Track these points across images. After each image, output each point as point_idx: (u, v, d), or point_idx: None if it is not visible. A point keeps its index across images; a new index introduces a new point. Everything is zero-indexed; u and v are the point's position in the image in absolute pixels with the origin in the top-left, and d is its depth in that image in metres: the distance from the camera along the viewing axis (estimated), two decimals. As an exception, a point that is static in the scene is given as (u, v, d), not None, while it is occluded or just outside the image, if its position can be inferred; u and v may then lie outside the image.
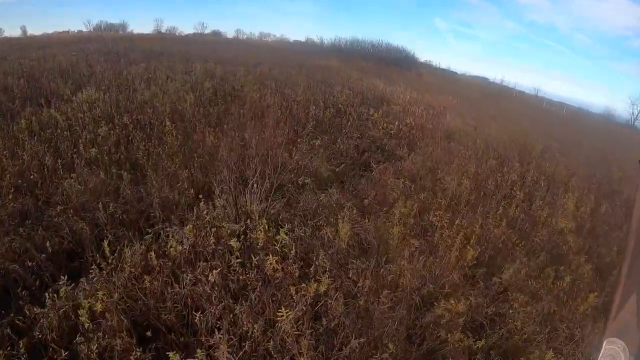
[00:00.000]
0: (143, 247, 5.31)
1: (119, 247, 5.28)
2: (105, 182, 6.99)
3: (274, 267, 4.95)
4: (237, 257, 5.13)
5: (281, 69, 21.63)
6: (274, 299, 4.70)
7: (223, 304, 4.55)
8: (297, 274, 4.98)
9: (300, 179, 8.51)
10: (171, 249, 5.12)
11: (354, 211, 7.28)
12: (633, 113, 51.63)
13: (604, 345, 1.09)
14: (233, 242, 5.15)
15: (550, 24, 75.78)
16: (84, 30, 53.58)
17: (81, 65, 16.97)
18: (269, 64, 23.06)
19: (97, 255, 5.08)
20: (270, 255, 4.96)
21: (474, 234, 6.87)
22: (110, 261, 4.90)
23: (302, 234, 6.13)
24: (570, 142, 20.28)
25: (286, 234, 5.79)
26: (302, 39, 60.93)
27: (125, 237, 5.67)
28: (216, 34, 59.44)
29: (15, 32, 46.70)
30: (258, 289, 4.74)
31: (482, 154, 12.79)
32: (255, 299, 4.68)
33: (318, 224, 6.68)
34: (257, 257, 5.22)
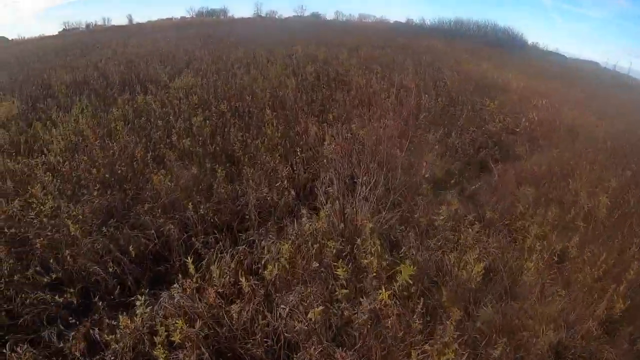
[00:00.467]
0: (234, 262, 4.58)
1: (207, 257, 4.68)
2: (197, 177, 6.38)
3: (386, 303, 3.94)
4: (342, 286, 4.23)
5: (385, 51, 20.42)
6: (383, 345, 3.79)
7: (323, 345, 3.70)
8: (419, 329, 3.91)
9: (415, 181, 7.49)
10: (266, 272, 4.29)
11: (476, 227, 6.24)
12: None
13: None
14: (340, 271, 4.20)
15: None
16: (187, 16, 54.87)
17: (180, 50, 16.70)
18: (371, 46, 21.95)
19: (185, 260, 4.42)
20: (384, 290, 3.94)
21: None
22: (195, 279, 4.21)
23: (420, 258, 5.10)
24: None
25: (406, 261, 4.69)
26: (402, 19, 59.41)
27: (215, 243, 4.99)
28: (315, 15, 59.02)
29: (123, 21, 48.97)
30: (366, 331, 3.83)
31: (614, 158, 11.24)
32: (362, 343, 3.81)
33: (438, 244, 5.66)
34: (368, 289, 4.30)
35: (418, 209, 6.52)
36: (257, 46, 18.60)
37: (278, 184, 6.42)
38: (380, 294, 3.86)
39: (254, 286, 4.12)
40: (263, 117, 8.65)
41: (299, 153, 7.33)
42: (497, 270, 5.37)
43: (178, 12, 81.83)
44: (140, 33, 25.85)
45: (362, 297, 3.97)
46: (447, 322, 3.77)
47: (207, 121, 8.28)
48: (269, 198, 6.01)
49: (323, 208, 5.65)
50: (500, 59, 27.01)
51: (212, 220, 5.50)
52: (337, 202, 5.70)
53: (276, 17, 57.40)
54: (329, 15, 61.42)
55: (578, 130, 13.45)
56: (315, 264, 4.46)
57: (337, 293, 4.17)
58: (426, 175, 7.75)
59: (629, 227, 7.25)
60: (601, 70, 50.77)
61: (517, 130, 11.97)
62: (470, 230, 5.89)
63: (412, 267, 4.00)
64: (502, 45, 36.02)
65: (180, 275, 4.28)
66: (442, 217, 6.15)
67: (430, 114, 11.41)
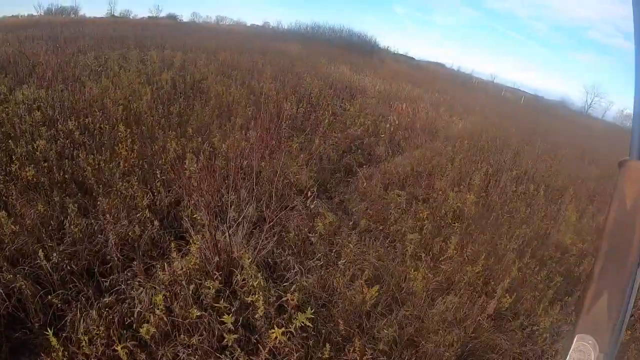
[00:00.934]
0: (102, 319, 3.94)
1: (69, 317, 4.02)
2: (46, 215, 5.50)
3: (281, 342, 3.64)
4: (231, 331, 3.82)
5: (243, 56, 20.00)
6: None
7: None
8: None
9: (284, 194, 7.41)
10: (142, 330, 3.74)
11: (354, 239, 6.13)
12: (587, 102, 52.72)
13: (574, 340, 1.05)
14: (226, 317, 3.78)
15: (509, 12, 75.45)
16: (34, 14, 49.30)
17: (23, 54, 15.03)
18: (229, 50, 21.40)
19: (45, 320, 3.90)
20: (276, 329, 3.61)
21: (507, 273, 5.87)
22: (61, 353, 3.53)
23: (305, 283, 4.90)
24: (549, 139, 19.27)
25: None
26: (259, 22, 59.27)
27: (76, 296, 4.38)
28: (171, 17, 57.11)
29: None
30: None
31: (472, 155, 11.79)
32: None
33: (319, 263, 5.51)
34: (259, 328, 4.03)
35: (292, 226, 6.35)
36: (109, 50, 17.23)
37: (139, 214, 5.83)
38: (273, 333, 3.55)
39: (131, 348, 3.60)
40: (116, 135, 7.91)
41: (158, 175, 6.74)
42: (382, 279, 5.39)
43: (26, 8, 74.02)
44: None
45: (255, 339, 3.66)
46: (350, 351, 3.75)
47: (54, 143, 7.36)
48: (130, 233, 5.40)
49: (192, 239, 5.10)
50: (356, 62, 27.64)
51: (68, 267, 4.72)
52: (206, 230, 5.15)
53: (130, 17, 54.64)
54: (186, 17, 59.75)
55: (437, 130, 14.05)
56: (195, 312, 3.97)
57: (226, 339, 3.77)
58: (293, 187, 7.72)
59: (495, 220, 7.87)
60: (447, 71, 54.23)
61: (380, 134, 12.22)
62: (349, 245, 5.86)
63: (307, 309, 3.72)
64: (357, 49, 37.09)
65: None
66: (317, 234, 6.11)
67: (292, 121, 11.21)
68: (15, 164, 6.39)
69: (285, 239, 5.97)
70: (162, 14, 58.75)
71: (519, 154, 13.26)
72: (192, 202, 6.12)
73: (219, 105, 11.12)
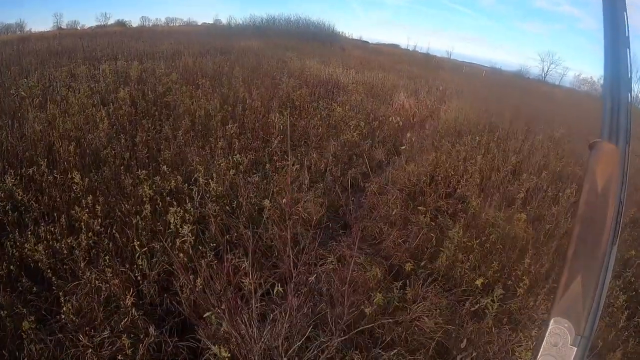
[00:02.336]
0: None
1: None
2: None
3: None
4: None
5: (204, 59, 17.68)
6: None
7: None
8: None
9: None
10: None
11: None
12: (543, 69, 52.01)
13: (550, 324, 1.06)
14: None
15: None
16: None
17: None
18: (187, 53, 19.16)
19: None
20: None
21: None
22: None
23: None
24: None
25: None
26: (210, 20, 56.49)
27: None
28: (120, 24, 53.65)
29: None
30: None
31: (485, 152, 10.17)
32: None
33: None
34: None
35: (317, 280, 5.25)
36: (55, 67, 14.77)
37: (124, 321, 4.01)
38: None
39: None
40: (69, 197, 5.93)
41: (137, 246, 4.87)
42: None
43: None
44: None
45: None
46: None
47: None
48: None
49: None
50: (321, 53, 25.65)
51: None
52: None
53: (78, 28, 51.09)
54: (135, 21, 56.52)
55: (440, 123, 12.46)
56: None
57: None
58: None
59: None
60: (404, 51, 52.52)
61: (376, 133, 10.68)
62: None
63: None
64: (317, 38, 34.89)
65: None
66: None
67: (282, 135, 9.35)
68: None
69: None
70: (111, 21, 55.16)
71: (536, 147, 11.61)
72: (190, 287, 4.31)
73: (192, 125, 9.09)
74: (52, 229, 5.10)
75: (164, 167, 6.79)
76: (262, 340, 4.08)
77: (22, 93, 10.69)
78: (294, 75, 15.90)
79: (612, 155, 1.06)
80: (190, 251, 4.99)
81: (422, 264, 5.85)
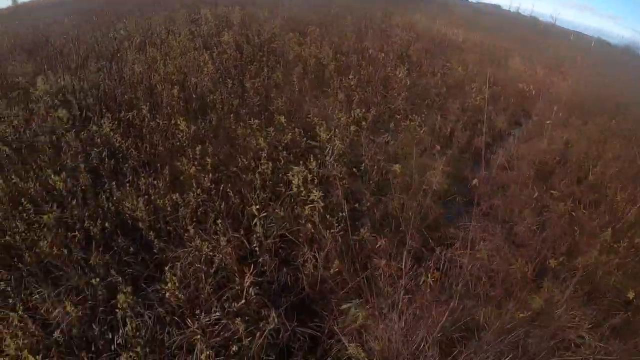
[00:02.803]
0: None
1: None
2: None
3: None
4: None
5: (308, 9, 16.39)
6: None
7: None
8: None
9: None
10: None
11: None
12: None
13: None
14: None
15: None
16: None
17: (46, 29, 11.82)
18: (287, 2, 18.04)
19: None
20: None
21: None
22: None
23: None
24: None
25: None
26: None
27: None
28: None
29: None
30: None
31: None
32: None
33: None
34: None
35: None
36: (150, 12, 14.09)
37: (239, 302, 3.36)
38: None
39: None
40: (174, 143, 5.02)
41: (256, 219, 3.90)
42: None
43: None
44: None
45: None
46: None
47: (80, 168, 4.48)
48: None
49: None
50: (425, 8, 23.77)
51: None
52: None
53: None
54: None
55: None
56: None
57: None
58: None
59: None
60: (509, 13, 48.95)
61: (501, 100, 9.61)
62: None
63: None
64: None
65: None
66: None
67: (402, 89, 8.19)
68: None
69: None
70: None
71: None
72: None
73: (304, 73, 8.03)
74: (155, 181, 4.23)
75: (280, 117, 5.76)
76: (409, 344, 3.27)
77: (122, 33, 9.98)
78: (403, 28, 14.44)
79: None
80: (317, 220, 3.99)
81: (561, 259, 4.62)
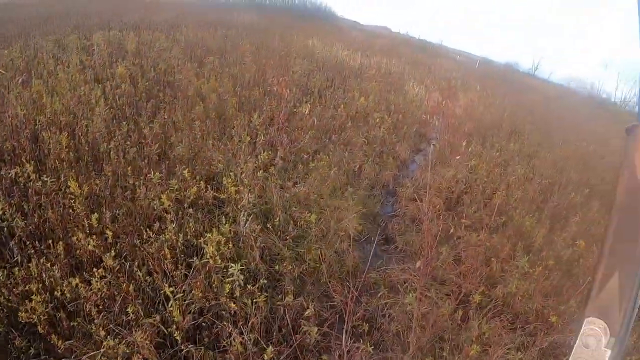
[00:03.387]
0: None
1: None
2: None
3: None
4: None
5: (203, 32, 15.70)
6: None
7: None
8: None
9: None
10: None
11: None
12: (534, 64, 51.47)
13: (584, 324, 0.96)
14: None
15: None
16: None
17: None
18: (182, 23, 17.26)
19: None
20: None
21: None
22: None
23: None
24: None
25: None
26: None
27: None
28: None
29: None
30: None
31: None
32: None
33: None
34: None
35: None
36: (40, 36, 12.69)
37: None
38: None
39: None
40: (67, 209, 4.42)
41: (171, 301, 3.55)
42: None
43: None
44: None
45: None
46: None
47: None
48: None
49: None
50: (321, 31, 23.91)
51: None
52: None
53: None
54: None
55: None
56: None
57: None
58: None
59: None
60: (399, 35, 50.68)
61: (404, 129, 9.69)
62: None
63: None
64: (315, 17, 32.90)
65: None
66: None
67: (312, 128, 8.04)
68: None
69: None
70: None
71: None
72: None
73: (205, 111, 7.58)
74: (48, 264, 3.61)
75: (182, 169, 5.30)
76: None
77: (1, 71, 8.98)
78: (303, 55, 14.29)
79: None
80: (238, 294, 3.64)
81: (482, 290, 4.76)
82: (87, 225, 4.03)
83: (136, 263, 3.81)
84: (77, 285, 3.41)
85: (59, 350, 3.16)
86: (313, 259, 4.79)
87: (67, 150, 5.46)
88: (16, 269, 3.54)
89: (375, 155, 8.11)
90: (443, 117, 11.43)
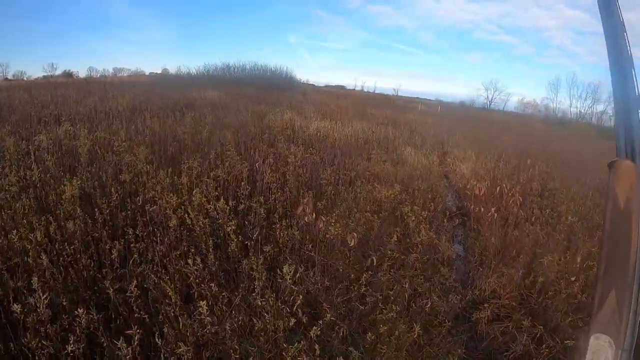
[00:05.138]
0: None
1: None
2: None
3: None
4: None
5: (170, 118, 13.18)
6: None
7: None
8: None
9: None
10: None
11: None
12: (488, 97, 52.84)
13: (590, 340, 1.04)
14: None
15: (397, 27, 73.83)
16: None
17: None
18: (144, 107, 14.73)
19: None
20: None
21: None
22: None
23: None
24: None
25: None
26: (158, 70, 52.78)
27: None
28: (67, 74, 48.66)
29: None
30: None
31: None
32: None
33: None
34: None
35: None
36: None
37: None
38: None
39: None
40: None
41: None
42: None
43: None
44: None
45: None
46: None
47: None
48: None
49: None
50: (286, 101, 21.98)
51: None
52: None
53: (25, 79, 44.93)
54: (82, 72, 51.51)
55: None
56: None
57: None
58: None
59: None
60: (355, 92, 50.35)
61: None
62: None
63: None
64: (275, 85, 30.99)
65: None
66: None
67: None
68: None
69: None
70: (58, 72, 50.12)
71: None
72: None
73: (202, 256, 4.98)
74: None
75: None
76: None
77: None
78: (287, 136, 11.93)
79: (630, 172, 1.04)
80: None
81: None
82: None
83: None
84: None
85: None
86: None
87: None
88: None
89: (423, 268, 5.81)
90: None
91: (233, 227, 5.43)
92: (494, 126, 27.53)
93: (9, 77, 45.23)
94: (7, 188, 6.37)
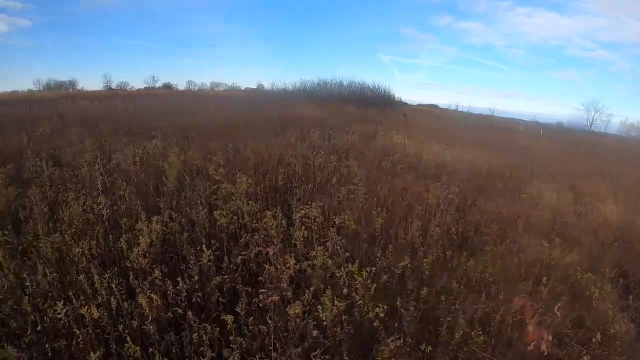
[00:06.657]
0: None
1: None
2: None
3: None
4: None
5: (272, 138, 11.13)
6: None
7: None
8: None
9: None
10: None
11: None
12: (588, 119, 47.14)
13: None
14: None
15: (486, 44, 70.78)
16: (34, 89, 44.86)
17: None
18: (245, 123, 12.99)
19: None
20: None
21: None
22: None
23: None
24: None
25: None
26: (253, 85, 53.75)
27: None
28: (167, 87, 50.84)
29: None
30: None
31: None
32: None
33: None
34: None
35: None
36: (96, 139, 9.17)
37: None
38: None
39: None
40: None
41: None
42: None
43: (26, 83, 62.81)
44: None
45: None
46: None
47: None
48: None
49: None
50: (399, 123, 19.73)
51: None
52: None
53: (127, 89, 49.64)
54: (181, 85, 56.06)
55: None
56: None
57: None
58: None
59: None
60: (444, 111, 47.55)
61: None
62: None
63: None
64: (377, 103, 28.64)
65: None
66: None
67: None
68: None
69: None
70: (158, 84, 52.01)
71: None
72: None
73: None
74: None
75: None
76: None
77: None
78: (398, 159, 9.49)
79: None
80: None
81: None
82: None
83: None
84: None
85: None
86: None
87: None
88: None
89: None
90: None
91: (381, 314, 3.24)
92: (609, 152, 23.18)
93: (113, 87, 47.26)
94: (68, 222, 4.55)
